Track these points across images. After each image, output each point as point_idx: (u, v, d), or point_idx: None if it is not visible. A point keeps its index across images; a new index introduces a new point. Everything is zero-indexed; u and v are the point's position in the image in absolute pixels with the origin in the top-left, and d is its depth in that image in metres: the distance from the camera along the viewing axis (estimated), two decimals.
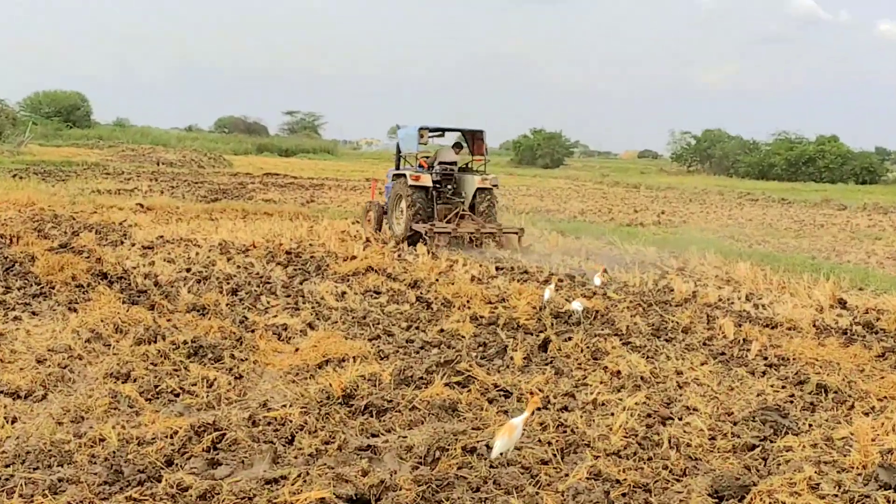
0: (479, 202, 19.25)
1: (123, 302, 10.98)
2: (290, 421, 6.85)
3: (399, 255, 16.39)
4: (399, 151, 20.50)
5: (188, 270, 13.75)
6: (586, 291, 13.15)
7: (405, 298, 12.28)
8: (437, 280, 13.59)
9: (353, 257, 15.42)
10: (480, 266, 15.32)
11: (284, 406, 7.30)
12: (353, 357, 8.81)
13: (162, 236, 17.64)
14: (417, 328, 10.60)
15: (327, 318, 10.83)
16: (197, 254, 15.53)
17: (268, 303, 11.66)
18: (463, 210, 19.05)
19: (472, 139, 20.34)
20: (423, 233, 18.00)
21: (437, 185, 19.36)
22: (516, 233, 18.83)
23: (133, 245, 16.32)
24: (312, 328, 10.36)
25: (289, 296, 12.24)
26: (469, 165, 20.39)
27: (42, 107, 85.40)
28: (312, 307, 11.47)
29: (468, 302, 11.92)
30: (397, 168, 20.51)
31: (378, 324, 10.67)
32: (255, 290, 12.39)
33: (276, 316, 10.89)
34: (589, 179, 60.49)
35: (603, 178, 61.31)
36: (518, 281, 13.92)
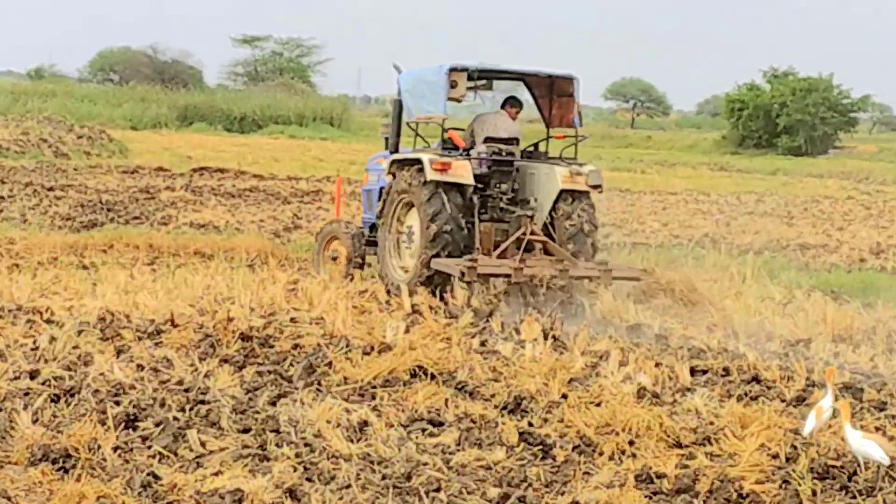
0: (562, 217, 20.10)
1: None
2: None
3: (483, 343, 16.36)
4: (399, 117, 21.18)
5: (33, 376, 13.89)
6: (889, 419, 12.99)
7: (496, 436, 12.30)
8: (563, 396, 13.62)
9: (385, 346, 15.44)
10: (658, 364, 15.28)
11: None
12: None
13: None
14: (522, 501, 10.56)
15: (328, 479, 10.89)
16: (52, 340, 15.55)
17: (202, 445, 11.72)
18: (532, 231, 19.71)
19: (550, 93, 21.03)
20: (459, 275, 18.79)
21: (482, 184, 19.98)
22: (636, 278, 19.71)
23: None
24: (297, 499, 10.44)
25: (247, 430, 12.28)
26: (540, 148, 21.21)
27: None
28: (297, 454, 11.52)
29: (632, 444, 11.93)
30: (395, 149, 21.20)
31: (437, 491, 10.68)
32: (176, 419, 12.49)
33: (219, 473, 10.91)
34: (892, 179, 59.96)
35: None
36: (740, 398, 13.86)
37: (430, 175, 19.09)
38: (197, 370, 14.53)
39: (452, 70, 19.86)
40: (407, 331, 16.39)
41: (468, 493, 10.68)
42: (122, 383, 13.69)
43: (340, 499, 10.42)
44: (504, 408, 13.36)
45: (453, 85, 19.87)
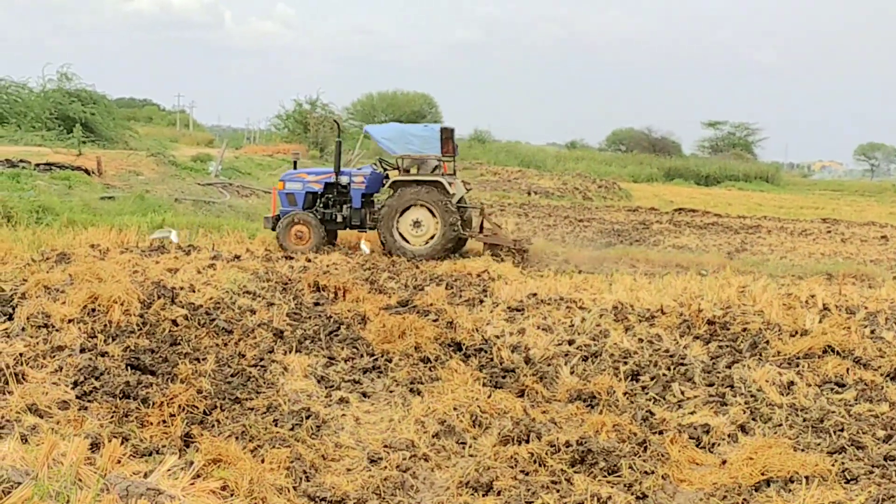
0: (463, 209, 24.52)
1: (484, 384, 11.35)
2: None
3: (873, 331, 15.51)
4: (340, 153, 23.59)
5: (570, 343, 13.90)
6: None
7: (883, 395, 11.66)
8: None
9: (805, 332, 14.80)
10: None
11: None
12: (806, 477, 8.58)
13: (535, 294, 17.81)
14: None
15: (767, 419, 10.60)
16: (583, 320, 15.52)
17: (682, 393, 11.56)
18: (484, 217, 24.33)
19: (448, 138, 24.30)
20: (513, 244, 23.09)
21: None
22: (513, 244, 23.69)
23: (496, 305, 16.56)
24: (746, 432, 10.21)
25: (711, 384, 12.07)
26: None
27: (376, 113, 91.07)
28: (745, 402, 11.26)
29: None
30: (338, 172, 23.49)
31: (842, 430, 10.20)
32: (664, 375, 12.36)
33: (693, 412, 10.83)
34: None
35: None
36: None
37: (451, 190, 22.84)
38: (678, 343, 14.31)
39: (443, 129, 23.38)
40: (820, 321, 15.63)
41: (863, 433, 10.11)
42: (629, 350, 13.61)
43: (774, 433, 10.08)
44: (888, 375, 12.59)
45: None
